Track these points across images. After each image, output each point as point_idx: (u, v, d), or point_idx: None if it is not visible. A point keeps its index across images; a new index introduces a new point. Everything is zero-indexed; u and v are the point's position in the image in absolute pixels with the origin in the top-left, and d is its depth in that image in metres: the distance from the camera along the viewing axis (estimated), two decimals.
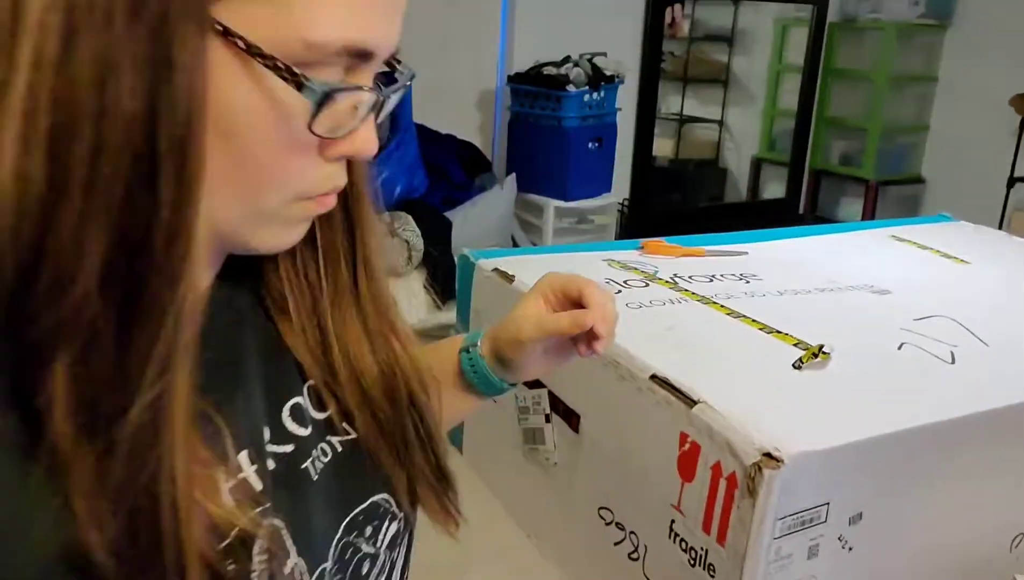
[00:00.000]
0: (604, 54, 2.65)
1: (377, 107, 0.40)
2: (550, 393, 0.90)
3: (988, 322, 0.91)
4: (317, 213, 0.42)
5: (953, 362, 0.81)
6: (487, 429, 1.08)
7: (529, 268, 1.01)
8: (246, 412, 0.43)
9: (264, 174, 0.37)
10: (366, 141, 0.40)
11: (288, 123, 0.36)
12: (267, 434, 0.44)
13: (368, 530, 0.49)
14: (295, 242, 0.42)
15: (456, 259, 1.10)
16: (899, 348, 0.84)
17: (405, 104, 2.17)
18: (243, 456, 0.41)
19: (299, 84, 0.34)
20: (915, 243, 1.26)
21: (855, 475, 0.67)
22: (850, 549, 0.69)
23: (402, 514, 0.52)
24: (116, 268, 0.31)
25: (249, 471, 0.41)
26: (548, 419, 0.90)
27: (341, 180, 0.42)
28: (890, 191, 3.62)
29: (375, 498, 0.50)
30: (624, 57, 2.77)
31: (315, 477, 0.46)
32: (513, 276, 0.98)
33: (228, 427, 0.40)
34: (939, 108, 3.60)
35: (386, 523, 0.50)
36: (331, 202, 0.42)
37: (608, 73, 2.57)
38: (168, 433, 0.33)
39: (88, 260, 0.30)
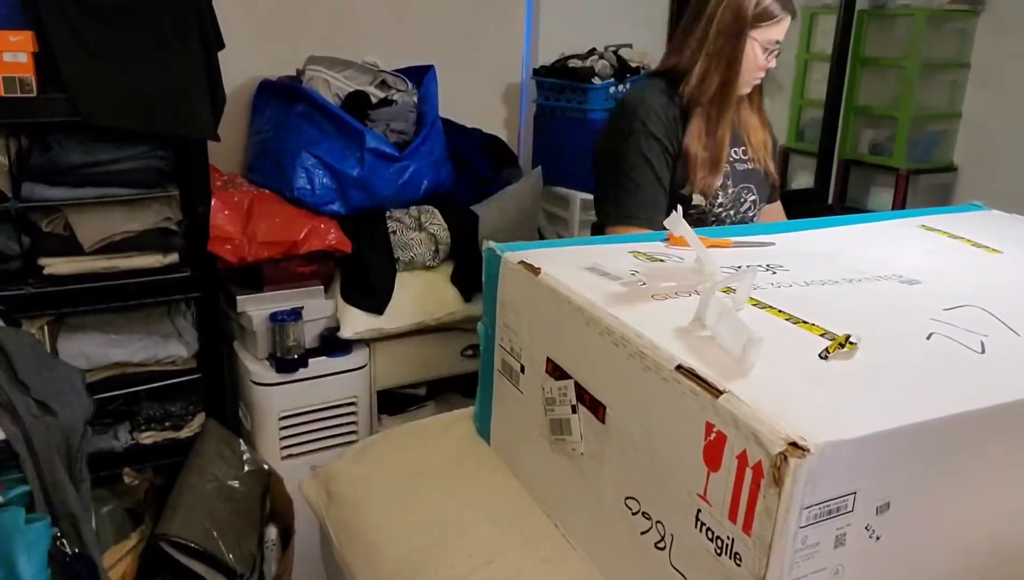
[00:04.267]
0: (629, 46, 2.63)
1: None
2: (576, 384, 0.90)
3: (1020, 312, 0.91)
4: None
5: (983, 352, 0.81)
6: (515, 420, 1.09)
7: (555, 260, 1.01)
8: None
9: None
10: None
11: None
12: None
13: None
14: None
15: (483, 252, 1.11)
16: (928, 338, 0.83)
17: (431, 99, 2.18)
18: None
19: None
20: (946, 233, 1.24)
21: (882, 465, 0.67)
22: (878, 538, 0.69)
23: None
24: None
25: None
26: (574, 410, 0.91)
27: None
28: (921, 180, 3.56)
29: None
30: (650, 48, 2.75)
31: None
32: (539, 269, 0.99)
33: None
34: (971, 95, 3.53)
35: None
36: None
37: (634, 65, 2.55)
38: None
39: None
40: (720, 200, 1.66)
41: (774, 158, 1.79)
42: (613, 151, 1.64)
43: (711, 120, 1.63)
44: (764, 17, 1.60)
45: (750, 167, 1.73)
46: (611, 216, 1.63)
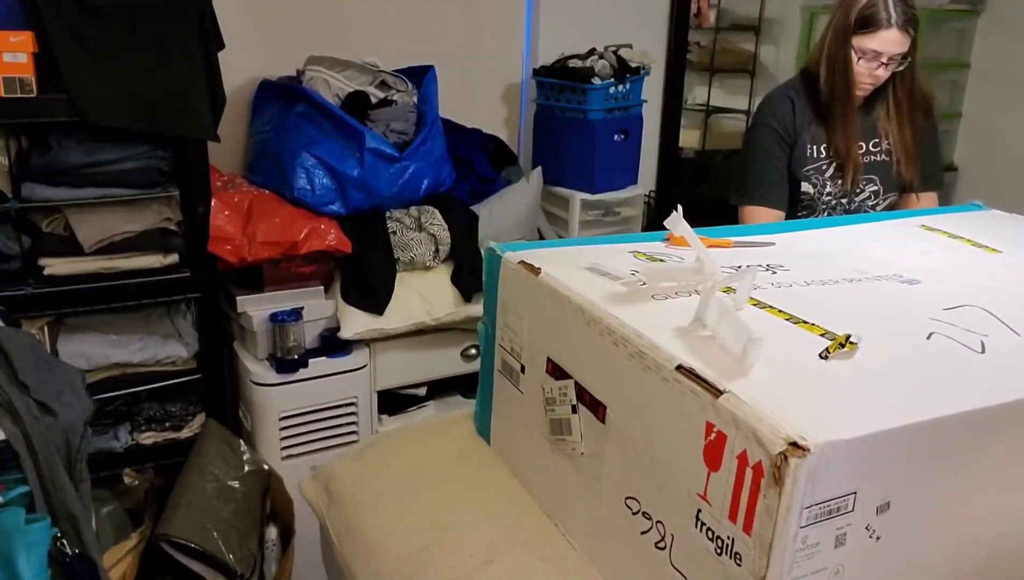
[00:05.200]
0: (629, 46, 2.63)
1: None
2: (576, 384, 0.90)
3: (1020, 312, 0.90)
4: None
5: (983, 352, 0.81)
6: (515, 419, 1.09)
7: (555, 261, 1.01)
8: None
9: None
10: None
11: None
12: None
13: None
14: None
15: (483, 252, 1.11)
16: (928, 338, 0.83)
17: (431, 99, 2.18)
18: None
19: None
20: (946, 232, 1.24)
21: (882, 465, 0.67)
22: (878, 538, 0.69)
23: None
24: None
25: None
26: (575, 410, 0.91)
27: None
28: None
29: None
30: (650, 48, 2.75)
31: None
32: (539, 269, 0.99)
33: None
34: (972, 95, 3.54)
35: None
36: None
37: (633, 65, 2.55)
38: None
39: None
40: (829, 189, 1.83)
41: (917, 155, 1.86)
42: (744, 143, 1.94)
43: (833, 119, 1.79)
44: (862, 25, 1.70)
45: (877, 160, 1.84)
46: (737, 196, 1.86)
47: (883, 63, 1.72)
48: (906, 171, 1.86)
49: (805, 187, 1.83)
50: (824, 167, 1.82)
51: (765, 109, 1.86)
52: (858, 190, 1.85)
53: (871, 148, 1.85)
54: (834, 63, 1.75)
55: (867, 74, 1.74)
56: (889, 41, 1.70)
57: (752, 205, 1.81)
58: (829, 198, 1.84)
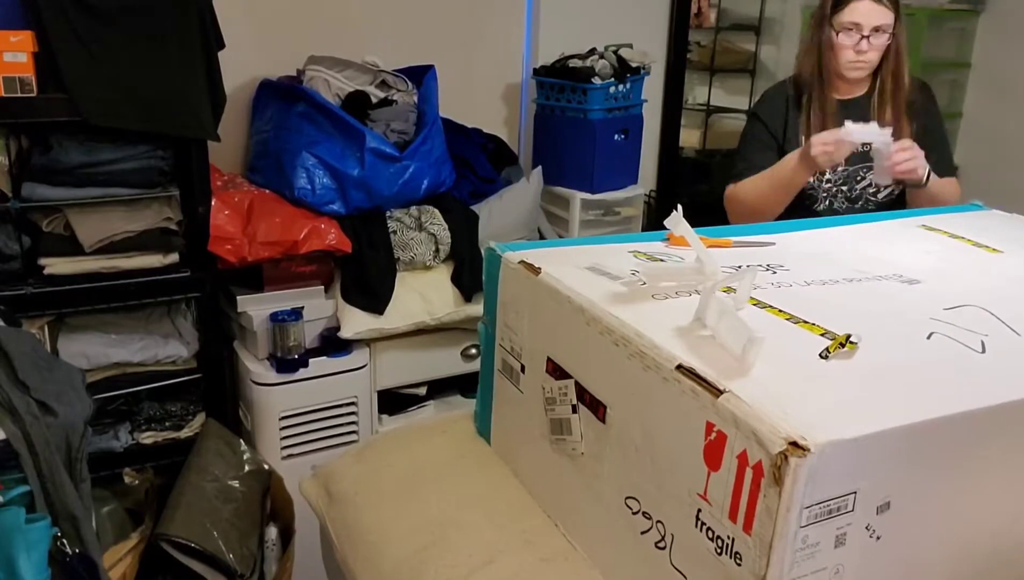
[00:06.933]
0: (630, 45, 2.63)
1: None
2: (576, 384, 0.90)
3: (1020, 312, 0.90)
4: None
5: (984, 352, 0.81)
6: (515, 419, 1.09)
7: (555, 260, 1.01)
8: None
9: None
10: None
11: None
12: None
13: None
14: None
15: (483, 252, 1.11)
16: (928, 338, 0.83)
17: (431, 98, 2.18)
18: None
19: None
20: (946, 232, 1.24)
21: (882, 464, 0.67)
22: (878, 538, 0.69)
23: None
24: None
25: None
26: (575, 410, 0.91)
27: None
28: None
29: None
30: (650, 48, 2.75)
31: None
32: (539, 268, 0.98)
33: None
34: (972, 95, 3.54)
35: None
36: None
37: (634, 64, 2.55)
38: None
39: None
40: (828, 176, 1.84)
41: (920, 141, 1.81)
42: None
43: (812, 105, 1.83)
44: (838, 2, 1.76)
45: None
46: (730, 182, 1.92)
47: (864, 36, 1.74)
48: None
49: None
50: None
51: (761, 102, 1.95)
52: (858, 178, 1.85)
53: None
54: (814, 47, 1.82)
55: (851, 48, 1.76)
56: (865, 12, 1.73)
57: (737, 182, 1.88)
58: (829, 185, 1.85)
